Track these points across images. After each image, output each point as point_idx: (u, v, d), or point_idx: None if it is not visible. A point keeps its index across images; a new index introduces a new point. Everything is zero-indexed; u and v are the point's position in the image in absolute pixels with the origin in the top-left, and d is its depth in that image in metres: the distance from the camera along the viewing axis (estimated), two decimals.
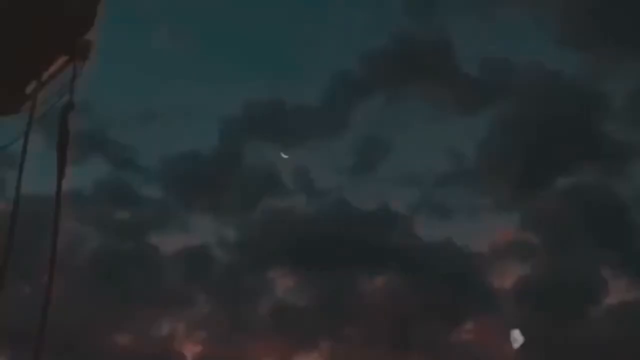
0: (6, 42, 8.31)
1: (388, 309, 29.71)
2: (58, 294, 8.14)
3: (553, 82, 31.08)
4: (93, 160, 30.40)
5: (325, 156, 34.92)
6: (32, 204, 8.72)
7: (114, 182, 31.74)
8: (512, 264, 31.26)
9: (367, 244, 30.84)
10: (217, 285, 31.10)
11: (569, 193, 31.18)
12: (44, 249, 8.33)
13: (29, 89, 8.55)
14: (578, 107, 30.56)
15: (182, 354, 30.29)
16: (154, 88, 34.19)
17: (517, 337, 28.56)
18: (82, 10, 8.40)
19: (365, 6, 33.66)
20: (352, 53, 33.83)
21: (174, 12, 32.04)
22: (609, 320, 28.58)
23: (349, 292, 30.73)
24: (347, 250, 30.68)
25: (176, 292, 30.54)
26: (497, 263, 31.30)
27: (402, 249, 30.97)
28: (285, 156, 32.80)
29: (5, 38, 8.30)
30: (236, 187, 32.35)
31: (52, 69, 8.56)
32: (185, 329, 30.56)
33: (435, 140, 33.43)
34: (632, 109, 30.25)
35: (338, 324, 30.09)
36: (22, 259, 8.32)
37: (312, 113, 32.84)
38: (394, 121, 34.01)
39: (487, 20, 33.18)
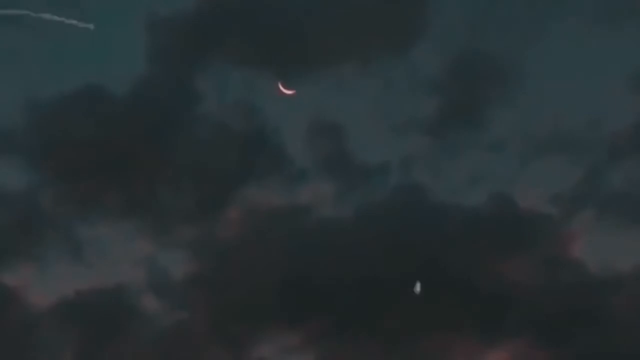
0: None
1: None
2: None
3: None
4: None
5: (374, 92, 23.44)
6: None
7: None
8: None
9: (474, 284, 21.64)
10: None
11: None
12: None
13: None
14: None
15: None
16: None
17: None
18: None
19: None
20: None
21: None
22: None
23: None
24: (432, 297, 21.73)
25: None
26: None
27: (545, 291, 21.97)
28: (287, 92, 22.75)
29: None
30: (182, 162, 23.34)
31: None
32: None
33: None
34: None
35: None
36: None
37: None
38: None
39: None
